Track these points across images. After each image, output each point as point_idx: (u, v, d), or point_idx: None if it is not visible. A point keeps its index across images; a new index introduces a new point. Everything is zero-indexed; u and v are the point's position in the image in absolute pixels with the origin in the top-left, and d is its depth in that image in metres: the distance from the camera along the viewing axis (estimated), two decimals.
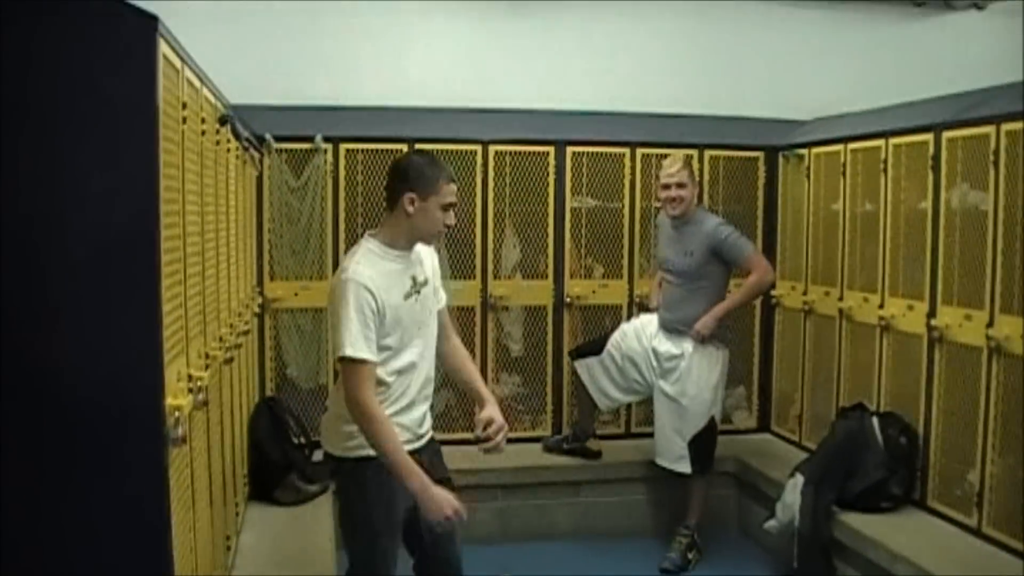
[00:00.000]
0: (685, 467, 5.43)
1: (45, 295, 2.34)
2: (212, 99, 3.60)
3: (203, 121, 3.31)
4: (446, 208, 3.52)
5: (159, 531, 2.51)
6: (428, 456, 3.65)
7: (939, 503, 4.83)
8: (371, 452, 3.43)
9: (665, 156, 5.73)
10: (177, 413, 2.58)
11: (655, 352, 5.49)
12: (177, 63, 2.78)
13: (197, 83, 3.20)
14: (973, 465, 4.59)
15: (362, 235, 3.65)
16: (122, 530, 2.44)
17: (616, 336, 5.71)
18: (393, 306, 3.45)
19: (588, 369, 5.78)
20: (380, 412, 3.39)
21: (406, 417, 3.58)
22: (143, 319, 2.46)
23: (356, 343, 3.34)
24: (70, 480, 2.38)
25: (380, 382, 3.46)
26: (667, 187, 5.34)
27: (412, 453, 3.49)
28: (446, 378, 6.07)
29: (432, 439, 3.78)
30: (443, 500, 3.40)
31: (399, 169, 3.56)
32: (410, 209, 3.47)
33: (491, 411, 3.66)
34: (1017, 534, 4.30)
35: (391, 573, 3.62)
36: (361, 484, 3.55)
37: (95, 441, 2.39)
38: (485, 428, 3.63)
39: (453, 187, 3.54)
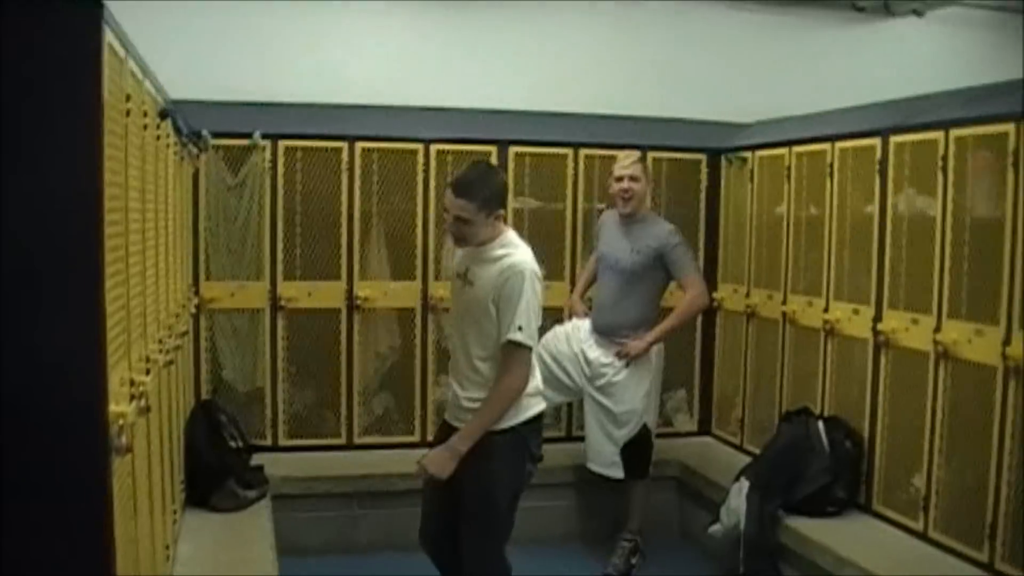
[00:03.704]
0: (618, 472, 5.36)
1: None
2: (153, 92, 3.46)
3: (145, 115, 3.17)
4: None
5: (102, 545, 2.38)
6: None
7: (884, 507, 4.83)
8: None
9: (609, 157, 5.70)
10: (121, 421, 2.45)
11: (585, 357, 5.41)
12: (121, 53, 2.65)
13: (140, 75, 3.06)
14: (919, 469, 4.60)
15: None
16: (63, 545, 2.30)
17: (548, 336, 5.60)
18: None
19: None
20: None
21: None
22: (85, 322, 2.32)
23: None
24: (5, 496, 2.24)
25: None
26: (620, 179, 5.27)
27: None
28: (384, 381, 6.06)
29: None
30: None
31: None
32: None
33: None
34: (963, 538, 4.31)
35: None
36: None
37: (33, 453, 2.25)
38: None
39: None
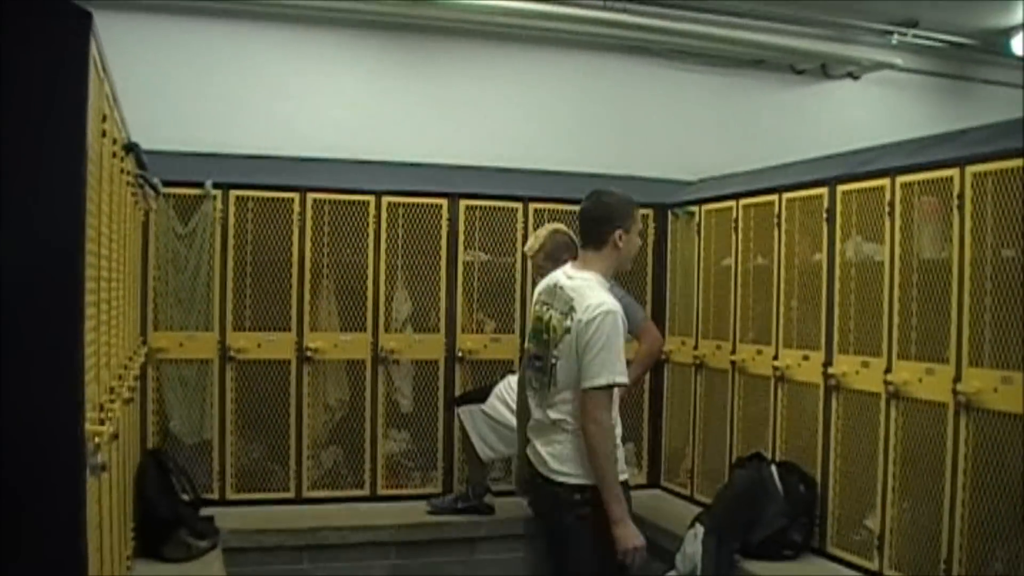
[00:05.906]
0: None
1: None
2: (119, 123, 3.45)
3: (114, 142, 3.15)
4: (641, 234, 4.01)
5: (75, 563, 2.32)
6: None
7: (839, 549, 4.85)
8: None
9: (559, 211, 5.79)
10: (96, 439, 2.40)
11: None
12: (102, 73, 2.65)
13: (112, 101, 3.06)
14: (872, 510, 4.64)
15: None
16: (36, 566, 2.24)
17: (501, 386, 5.63)
18: None
19: (471, 416, 5.68)
20: None
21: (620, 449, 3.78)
22: (66, 338, 2.28)
23: (623, 371, 3.61)
24: None
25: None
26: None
27: None
28: (334, 434, 6.00)
29: None
30: (636, 533, 3.62)
31: (605, 210, 3.91)
32: (620, 244, 3.81)
33: None
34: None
35: None
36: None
37: (11, 469, 2.20)
38: None
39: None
